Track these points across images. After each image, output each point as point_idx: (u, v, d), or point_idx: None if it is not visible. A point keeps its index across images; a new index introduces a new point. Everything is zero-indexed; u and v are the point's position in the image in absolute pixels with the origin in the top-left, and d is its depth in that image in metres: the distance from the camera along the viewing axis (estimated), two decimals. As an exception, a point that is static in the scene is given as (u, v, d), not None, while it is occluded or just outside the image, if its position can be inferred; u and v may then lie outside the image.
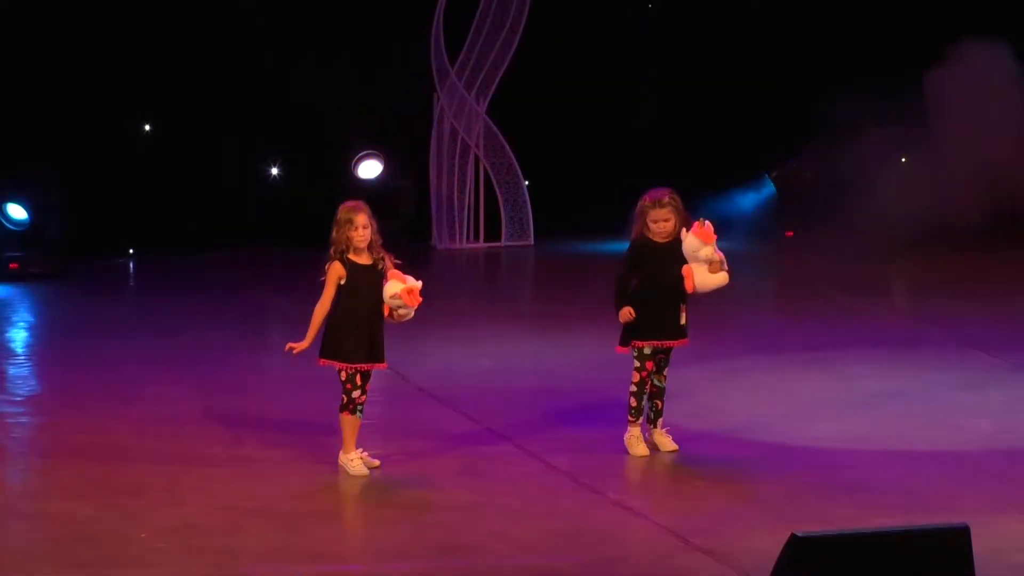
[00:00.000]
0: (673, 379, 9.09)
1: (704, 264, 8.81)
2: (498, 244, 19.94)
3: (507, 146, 19.86)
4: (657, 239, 8.93)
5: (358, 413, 8.45)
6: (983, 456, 8.87)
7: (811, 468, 8.55)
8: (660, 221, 8.89)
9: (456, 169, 19.86)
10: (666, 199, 8.91)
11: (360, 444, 8.51)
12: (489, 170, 19.98)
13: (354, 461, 8.46)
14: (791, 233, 19.68)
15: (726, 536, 7.27)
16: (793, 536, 5.61)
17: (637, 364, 8.96)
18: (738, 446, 9.12)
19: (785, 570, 5.59)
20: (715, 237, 8.83)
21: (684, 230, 8.85)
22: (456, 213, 19.93)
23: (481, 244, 20.03)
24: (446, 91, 19.75)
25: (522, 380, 11.14)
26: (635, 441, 8.96)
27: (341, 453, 8.51)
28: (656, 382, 9.01)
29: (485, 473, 8.56)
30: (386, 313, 8.43)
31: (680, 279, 8.86)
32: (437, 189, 19.87)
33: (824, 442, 9.20)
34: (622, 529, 7.53)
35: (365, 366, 8.42)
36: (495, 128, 19.85)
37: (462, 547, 7.15)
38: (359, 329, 8.39)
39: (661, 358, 8.99)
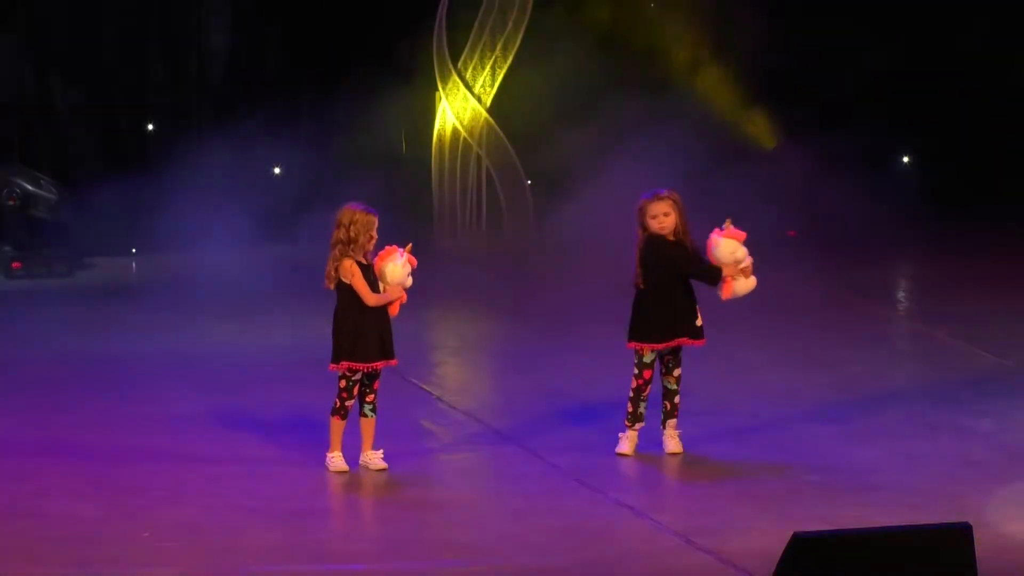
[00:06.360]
0: (674, 379, 9.06)
1: (739, 267, 8.50)
2: (499, 242, 19.96)
3: (509, 145, 19.87)
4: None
5: (345, 416, 8.44)
6: (985, 455, 8.86)
7: (812, 468, 8.53)
8: (660, 216, 8.54)
9: (458, 168, 19.88)
10: (664, 193, 8.61)
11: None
12: (491, 168, 19.99)
13: (335, 459, 8.48)
14: (794, 233, 19.67)
15: (728, 536, 7.26)
16: (795, 536, 5.60)
17: (636, 371, 8.72)
18: (739, 446, 9.10)
19: (787, 570, 5.59)
20: (744, 235, 8.56)
21: (718, 229, 8.56)
22: (458, 211, 19.95)
23: (482, 242, 20.05)
24: (448, 90, 19.76)
25: (523, 379, 11.13)
26: (623, 440, 8.80)
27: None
28: (667, 384, 8.78)
29: (486, 472, 8.55)
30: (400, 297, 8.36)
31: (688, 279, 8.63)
32: (439, 187, 19.88)
33: (824, 442, 9.19)
34: (623, 529, 7.52)
35: (380, 364, 8.41)
36: (497, 127, 19.87)
37: (463, 546, 7.14)
38: (372, 330, 8.35)
39: (668, 359, 8.77)
